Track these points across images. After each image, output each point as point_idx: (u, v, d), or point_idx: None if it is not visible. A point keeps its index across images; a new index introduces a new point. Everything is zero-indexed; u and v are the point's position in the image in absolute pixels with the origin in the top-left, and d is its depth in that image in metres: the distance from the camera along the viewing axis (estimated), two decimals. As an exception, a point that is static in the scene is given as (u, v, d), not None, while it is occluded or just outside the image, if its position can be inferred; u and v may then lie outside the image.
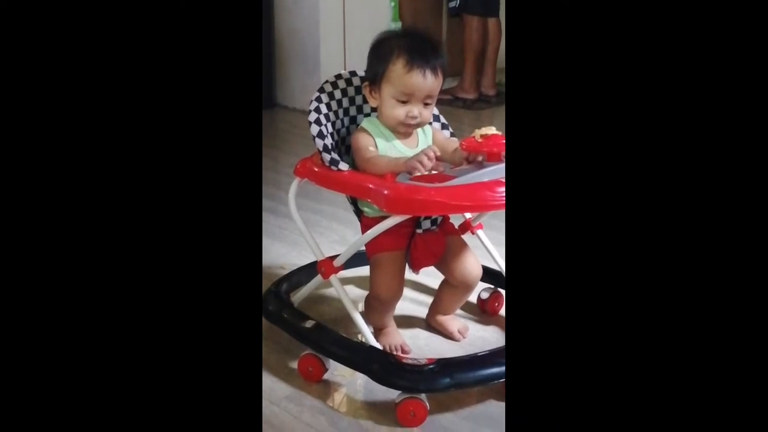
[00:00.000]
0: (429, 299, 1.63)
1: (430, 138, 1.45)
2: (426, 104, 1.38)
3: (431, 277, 1.60)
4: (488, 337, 1.56)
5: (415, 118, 1.37)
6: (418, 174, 1.27)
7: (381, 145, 1.38)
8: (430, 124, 1.49)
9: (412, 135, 1.43)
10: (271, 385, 1.38)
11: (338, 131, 1.48)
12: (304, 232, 1.47)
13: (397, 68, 1.35)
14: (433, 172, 1.42)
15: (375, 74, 1.39)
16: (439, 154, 1.29)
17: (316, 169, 1.40)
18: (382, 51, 1.38)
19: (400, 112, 1.37)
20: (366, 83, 1.42)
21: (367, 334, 1.36)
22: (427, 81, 1.35)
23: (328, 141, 1.38)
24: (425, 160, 1.26)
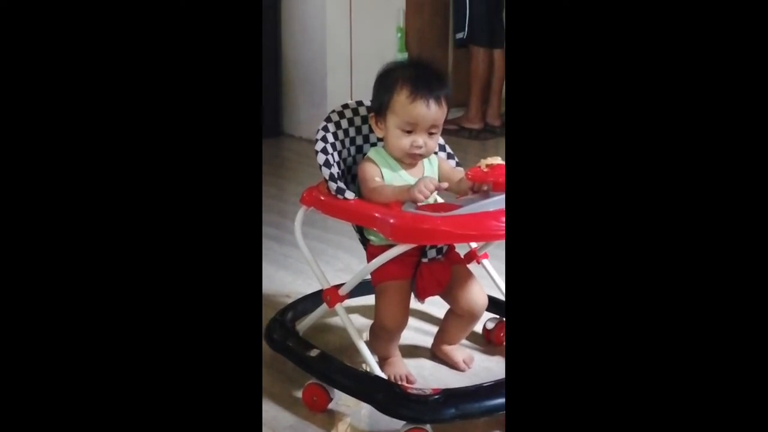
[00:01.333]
0: (434, 329, 1.62)
1: (435, 167, 1.46)
2: (431, 134, 1.39)
3: (436, 306, 1.60)
4: (493, 368, 1.55)
5: (420, 147, 1.38)
6: (421, 203, 1.27)
7: (387, 175, 1.39)
8: (436, 153, 1.50)
9: (418, 165, 1.43)
10: (275, 414, 1.37)
11: (344, 160, 1.49)
12: (310, 261, 1.47)
13: (401, 99, 1.36)
14: (439, 200, 1.43)
15: (380, 105, 1.40)
16: (438, 185, 1.30)
17: (323, 198, 1.41)
18: (386, 82, 1.40)
19: (405, 142, 1.38)
20: (372, 114, 1.44)
21: (372, 363, 1.35)
22: (431, 111, 1.36)
23: (335, 170, 1.39)
24: (424, 189, 1.27)
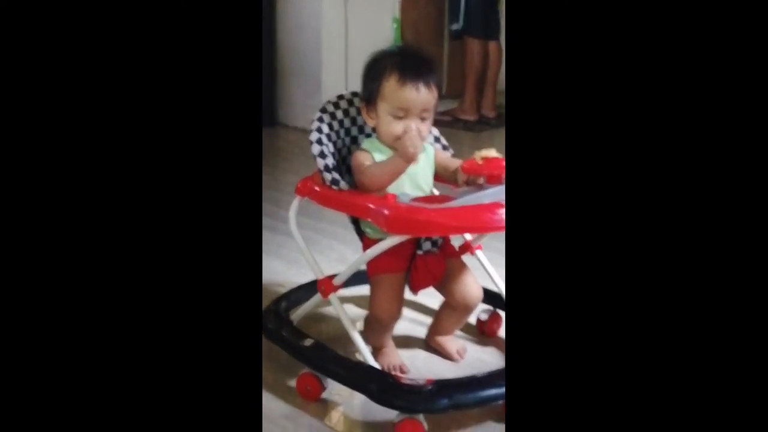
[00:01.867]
0: (428, 319, 1.63)
1: (431, 157, 1.46)
2: (423, 119, 1.38)
3: (431, 297, 1.60)
4: (487, 359, 1.56)
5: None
6: (413, 149, 1.28)
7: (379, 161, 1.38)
8: (431, 144, 1.50)
9: (413, 153, 1.43)
10: (268, 403, 1.37)
11: (339, 151, 1.49)
12: (304, 251, 1.47)
13: (390, 84, 1.35)
14: (435, 192, 1.43)
15: (370, 93, 1.39)
16: (423, 133, 1.33)
17: (317, 188, 1.41)
18: (375, 70, 1.39)
19: (397, 128, 1.37)
20: (363, 103, 1.43)
21: (365, 353, 1.35)
22: (421, 94, 1.35)
23: (330, 161, 1.39)
24: (411, 143, 1.27)
